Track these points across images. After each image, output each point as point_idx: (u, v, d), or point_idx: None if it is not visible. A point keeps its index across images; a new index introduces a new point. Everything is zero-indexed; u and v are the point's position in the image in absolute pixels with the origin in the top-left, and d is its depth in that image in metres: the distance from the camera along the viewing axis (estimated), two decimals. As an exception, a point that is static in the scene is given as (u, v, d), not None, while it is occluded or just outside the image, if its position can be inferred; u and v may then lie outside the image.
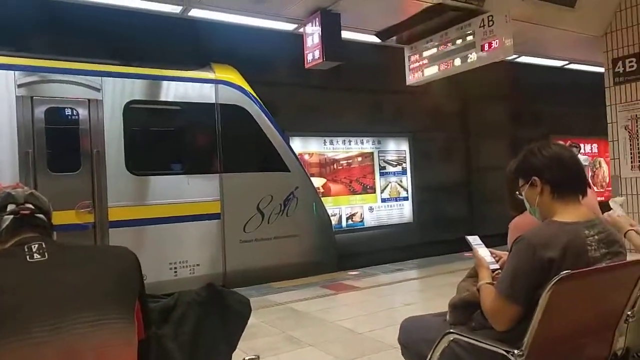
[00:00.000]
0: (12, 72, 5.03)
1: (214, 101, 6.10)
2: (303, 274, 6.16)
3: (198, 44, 6.92)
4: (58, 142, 5.27)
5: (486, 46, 5.84)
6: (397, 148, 10.48)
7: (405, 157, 10.55)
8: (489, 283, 1.81)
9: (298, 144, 8.89)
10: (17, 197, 1.42)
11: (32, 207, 1.42)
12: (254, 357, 1.21)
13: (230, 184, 6.09)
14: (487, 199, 10.51)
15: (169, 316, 1.70)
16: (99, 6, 5.30)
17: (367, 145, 10.06)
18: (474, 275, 1.99)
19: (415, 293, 5.49)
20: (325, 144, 9.52)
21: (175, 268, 5.70)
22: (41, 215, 1.44)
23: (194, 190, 5.87)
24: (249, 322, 1.78)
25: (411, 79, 6.97)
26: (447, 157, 11.14)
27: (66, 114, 5.36)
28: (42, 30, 6.01)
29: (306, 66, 6.10)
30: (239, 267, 6.07)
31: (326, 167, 9.51)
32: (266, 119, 6.44)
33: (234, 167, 6.16)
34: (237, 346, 1.74)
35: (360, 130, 9.88)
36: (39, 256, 1.28)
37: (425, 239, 9.72)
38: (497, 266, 1.92)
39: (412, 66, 6.94)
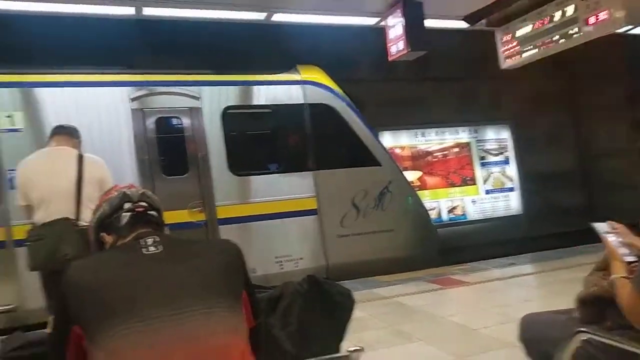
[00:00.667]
0: (127, 88, 5.55)
1: (302, 101, 6.20)
2: (402, 267, 6.01)
3: (283, 48, 7.10)
4: (168, 148, 5.70)
5: (592, 19, 5.29)
6: (497, 136, 9.91)
7: (506, 145, 9.90)
8: (623, 277, 1.62)
9: (388, 139, 8.77)
10: (132, 196, 1.54)
11: (146, 205, 1.54)
12: (358, 348, 1.16)
13: (324, 181, 6.15)
14: (610, 186, 9.50)
15: (276, 306, 1.75)
16: (193, 20, 5.65)
17: (462, 135, 9.62)
18: (602, 268, 1.80)
19: (531, 289, 5.07)
20: (416, 137, 9.28)
21: (281, 262, 5.86)
22: (154, 212, 1.55)
23: (291, 187, 6.00)
24: (356, 314, 1.79)
25: (506, 62, 6.49)
26: (556, 143, 10.31)
27: (172, 122, 5.80)
28: (146, 47, 6.56)
29: (390, 59, 6.00)
30: (339, 261, 6.09)
31: (420, 159, 9.26)
32: (354, 115, 6.43)
33: (326, 164, 6.22)
34: (345, 338, 1.73)
35: (454, 120, 9.48)
36: (153, 249, 1.37)
37: (536, 232, 9.05)
38: (633, 258, 1.70)
39: (505, 49, 6.48)
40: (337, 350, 1.80)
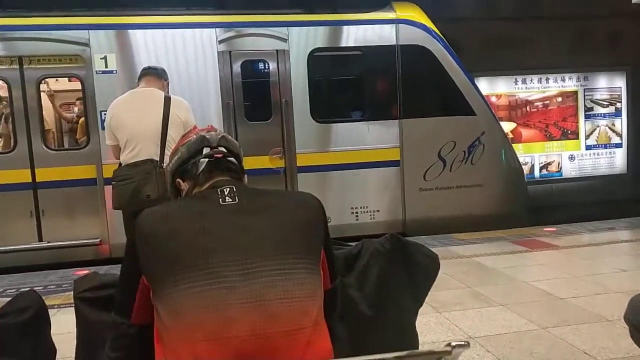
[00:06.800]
0: (214, 29, 5.53)
1: (394, 43, 5.84)
2: (488, 226, 5.76)
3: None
4: (253, 93, 5.70)
5: None
6: (610, 85, 8.84)
7: (620, 95, 8.84)
8: None
9: (484, 85, 8.15)
10: (211, 140, 1.45)
11: (225, 151, 1.45)
12: (463, 343, 1.01)
13: (410, 130, 5.89)
14: None
15: (354, 265, 1.67)
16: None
17: (569, 82, 8.71)
18: None
19: (630, 258, 4.63)
20: (516, 84, 8.56)
21: (357, 213, 5.84)
22: (232, 159, 1.46)
23: (374, 136, 5.84)
24: (430, 273, 1.68)
25: (638, -5, 5.58)
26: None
27: (259, 65, 5.75)
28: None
29: None
30: (418, 216, 5.94)
31: (517, 110, 8.60)
32: (451, 58, 5.96)
33: (414, 112, 5.92)
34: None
35: (561, 66, 8.55)
36: (230, 200, 1.30)
37: (643, 195, 8.17)
38: None
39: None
40: (415, 316, 1.74)
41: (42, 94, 5.48)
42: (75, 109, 6.15)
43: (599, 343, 2.68)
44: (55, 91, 6.09)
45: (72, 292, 1.53)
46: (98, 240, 5.31)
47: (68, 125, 6.34)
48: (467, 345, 1.01)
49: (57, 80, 6.01)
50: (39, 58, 5.28)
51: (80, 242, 5.30)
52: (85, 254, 5.32)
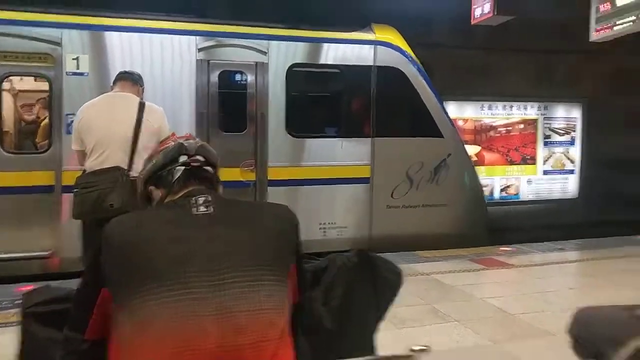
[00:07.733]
0: (194, 37, 5.43)
1: (371, 63, 5.95)
2: (450, 245, 5.90)
3: (356, 4, 6.80)
4: (228, 104, 5.63)
5: None
6: (567, 115, 9.37)
7: (575, 125, 9.36)
8: None
9: (452, 109, 8.45)
10: (189, 148, 1.45)
11: (202, 159, 1.45)
12: (424, 347, 1.08)
13: (381, 149, 5.99)
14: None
15: (320, 279, 1.68)
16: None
17: (531, 111, 9.18)
18: None
19: (579, 277, 4.95)
20: (482, 109, 8.94)
21: (325, 229, 5.85)
22: (209, 168, 1.47)
23: (346, 153, 5.90)
24: (393, 290, 1.71)
25: (597, 34, 5.92)
26: (634, 126, 9.50)
27: (236, 76, 5.70)
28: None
29: (472, 22, 5.73)
30: (385, 233, 6.02)
31: (482, 134, 8.97)
32: (424, 82, 6.12)
33: (386, 131, 6.03)
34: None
35: (525, 95, 9.00)
36: (204, 209, 1.29)
37: (592, 218, 8.62)
38: None
39: (599, 18, 5.87)
40: (376, 329, 1.82)
41: (3, 92, 5.11)
42: (35, 109, 5.74)
43: (544, 356, 2.87)
44: (19, 90, 5.74)
45: (11, 310, 1.43)
46: (49, 252, 4.91)
47: (28, 128, 5.83)
48: (428, 349, 1.09)
49: (21, 79, 5.63)
50: (5, 54, 4.93)
51: (29, 254, 4.85)
52: (34, 267, 4.89)
